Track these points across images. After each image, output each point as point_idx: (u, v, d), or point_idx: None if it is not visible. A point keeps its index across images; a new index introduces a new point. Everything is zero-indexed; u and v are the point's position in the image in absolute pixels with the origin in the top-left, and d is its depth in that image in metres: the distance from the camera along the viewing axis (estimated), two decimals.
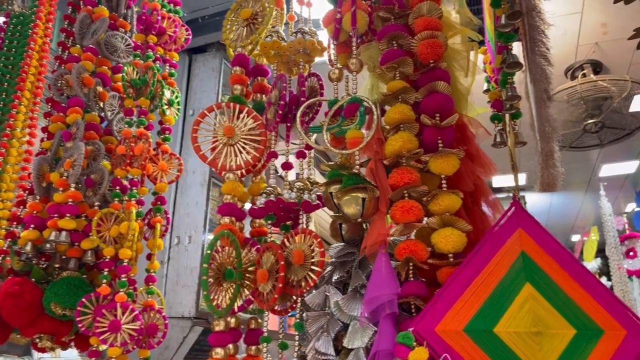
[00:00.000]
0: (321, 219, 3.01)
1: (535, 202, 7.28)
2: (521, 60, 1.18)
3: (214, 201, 2.96)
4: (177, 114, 1.79)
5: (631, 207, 7.78)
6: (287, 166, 1.39)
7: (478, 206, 1.22)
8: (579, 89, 3.88)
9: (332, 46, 1.47)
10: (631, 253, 6.56)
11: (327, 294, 1.17)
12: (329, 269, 1.24)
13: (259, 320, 1.37)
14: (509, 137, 1.14)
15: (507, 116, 1.17)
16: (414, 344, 0.94)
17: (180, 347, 2.68)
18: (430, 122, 1.15)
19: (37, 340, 1.46)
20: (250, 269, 1.31)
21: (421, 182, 1.13)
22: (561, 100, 3.84)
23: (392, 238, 1.19)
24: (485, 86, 1.46)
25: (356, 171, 1.19)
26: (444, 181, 1.13)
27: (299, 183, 1.32)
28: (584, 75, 4.03)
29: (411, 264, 1.08)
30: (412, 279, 1.07)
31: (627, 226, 6.79)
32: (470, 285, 1.01)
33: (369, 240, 1.12)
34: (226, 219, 1.29)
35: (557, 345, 0.98)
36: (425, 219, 1.14)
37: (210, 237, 2.78)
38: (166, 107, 1.74)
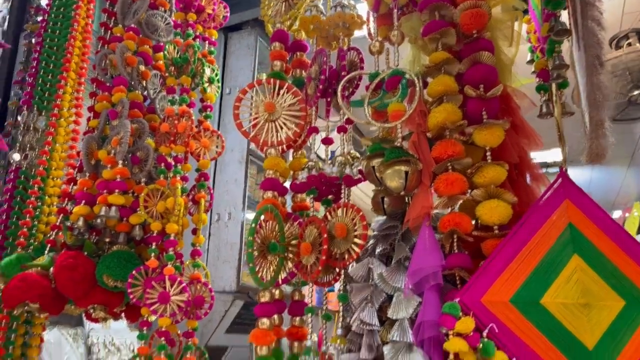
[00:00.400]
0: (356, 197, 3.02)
1: (574, 177, 7.07)
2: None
3: (252, 179, 2.99)
4: (217, 92, 1.81)
5: None
6: (327, 141, 1.40)
7: (523, 178, 1.21)
8: (624, 59, 3.73)
9: (371, 19, 1.46)
10: None
11: (371, 266, 1.19)
12: (371, 242, 1.25)
13: (303, 293, 1.40)
14: (555, 108, 1.12)
15: (553, 86, 1.15)
16: (460, 314, 0.95)
17: (222, 321, 2.76)
18: (475, 93, 1.13)
19: (91, 310, 1.53)
20: (293, 242, 1.34)
21: (465, 154, 1.12)
22: (605, 72, 3.70)
23: (435, 211, 1.19)
24: (529, 56, 1.43)
25: (398, 144, 1.19)
26: (488, 153, 1.13)
27: (340, 157, 1.33)
28: (629, 44, 3.87)
29: (455, 236, 1.08)
30: (456, 251, 1.08)
31: None
32: (516, 257, 1.01)
33: (413, 213, 1.12)
34: (269, 194, 1.31)
35: (606, 317, 0.97)
36: (469, 192, 1.14)
37: (249, 214, 2.83)
38: (207, 84, 1.76)
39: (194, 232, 1.67)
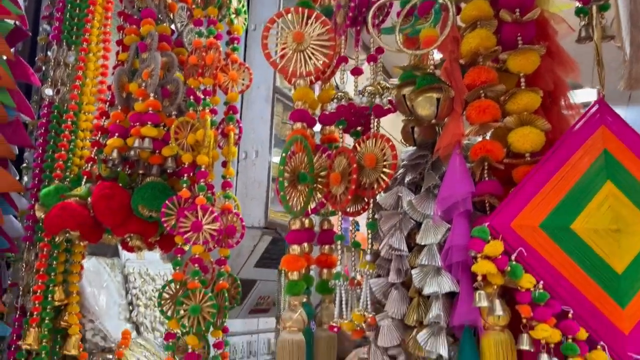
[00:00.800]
0: None
1: None
2: None
3: (278, 117, 2.99)
4: (244, 23, 1.79)
5: None
6: (357, 71, 1.38)
7: (557, 106, 1.18)
8: None
9: None
10: None
11: (400, 194, 1.20)
12: (400, 171, 1.25)
13: (332, 222, 1.43)
14: (595, 31, 1.08)
15: (594, 8, 1.10)
16: (489, 238, 0.96)
17: (251, 255, 2.84)
18: (510, 17, 1.10)
19: (128, 239, 1.59)
20: (322, 173, 1.36)
21: (498, 81, 1.10)
22: None
23: (466, 141, 1.18)
24: None
25: (430, 71, 1.17)
26: (522, 80, 1.10)
27: (370, 87, 1.31)
28: None
29: (486, 163, 1.08)
30: (486, 179, 1.07)
31: None
32: (548, 183, 1.00)
33: (444, 141, 1.11)
34: (298, 125, 1.31)
35: (636, 243, 0.97)
36: (502, 119, 1.12)
37: (276, 153, 2.86)
38: (234, 16, 1.74)
39: (224, 164, 1.70)
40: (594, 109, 1.04)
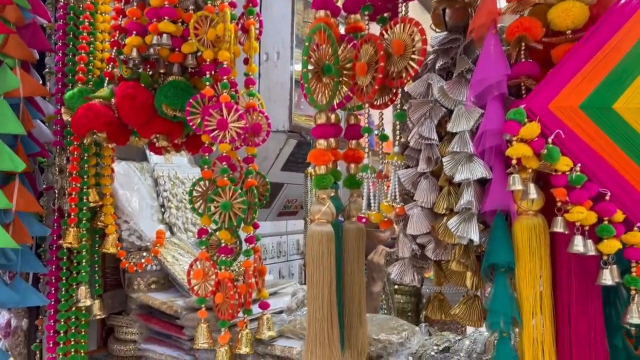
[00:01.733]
0: None
1: None
2: None
3: (299, 15, 2.87)
4: None
5: None
6: None
7: None
8: None
9: None
10: None
11: (430, 82, 1.15)
12: (431, 57, 1.19)
13: (358, 117, 1.39)
14: None
15: None
16: (526, 120, 0.92)
17: (277, 158, 2.85)
18: None
19: (155, 140, 1.59)
20: (347, 65, 1.30)
21: None
22: None
23: (500, 25, 1.10)
24: None
25: None
26: None
27: None
28: None
29: (523, 44, 1.01)
30: (523, 60, 1.01)
31: None
32: (589, 61, 0.94)
33: (478, 21, 1.04)
34: (321, 13, 1.25)
35: None
36: None
37: (298, 52, 2.77)
38: None
39: (246, 61, 1.65)
40: None
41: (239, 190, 1.45)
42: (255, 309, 1.61)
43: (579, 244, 0.90)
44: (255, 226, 1.61)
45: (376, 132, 1.35)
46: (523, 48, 1.01)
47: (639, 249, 0.89)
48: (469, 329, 1.91)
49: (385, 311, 2.85)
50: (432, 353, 1.41)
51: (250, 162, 1.60)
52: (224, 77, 1.46)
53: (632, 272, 0.90)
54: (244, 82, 1.64)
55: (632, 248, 0.89)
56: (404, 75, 1.17)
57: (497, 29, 1.03)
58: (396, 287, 3.10)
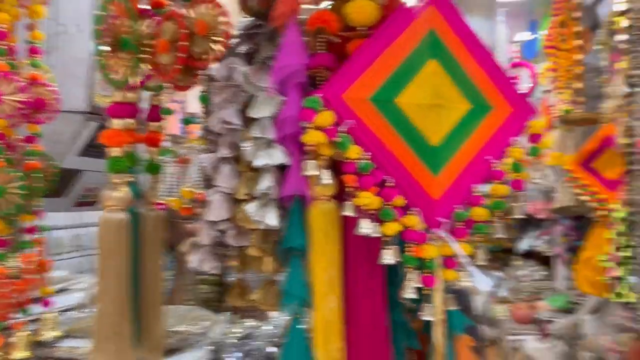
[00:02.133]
0: None
1: None
2: None
3: None
4: None
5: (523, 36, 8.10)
6: None
7: None
8: None
9: None
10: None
11: (233, 66, 1.13)
12: (235, 41, 1.17)
13: (160, 98, 1.31)
14: None
15: None
16: (321, 108, 0.96)
17: (74, 142, 2.59)
18: None
19: None
20: (149, 43, 1.22)
21: None
22: None
23: (304, 16, 1.13)
24: None
25: None
26: None
27: None
28: None
29: (322, 36, 1.05)
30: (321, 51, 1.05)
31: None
32: (379, 57, 1.01)
33: (279, 9, 1.05)
34: None
35: (453, 117, 1.05)
36: None
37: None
38: None
39: (30, 27, 1.45)
40: None
41: (19, 174, 1.27)
42: (38, 308, 1.43)
43: (365, 227, 0.96)
44: (39, 215, 1.43)
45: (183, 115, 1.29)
46: (321, 40, 1.05)
47: (413, 231, 0.99)
48: (274, 315, 1.96)
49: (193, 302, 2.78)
50: (233, 341, 1.40)
51: (32, 141, 1.41)
52: (1, 42, 1.26)
53: (408, 251, 0.99)
54: (28, 49, 1.44)
55: (408, 230, 0.99)
56: (206, 57, 1.13)
57: (298, 19, 1.06)
58: (201, 277, 3.04)
